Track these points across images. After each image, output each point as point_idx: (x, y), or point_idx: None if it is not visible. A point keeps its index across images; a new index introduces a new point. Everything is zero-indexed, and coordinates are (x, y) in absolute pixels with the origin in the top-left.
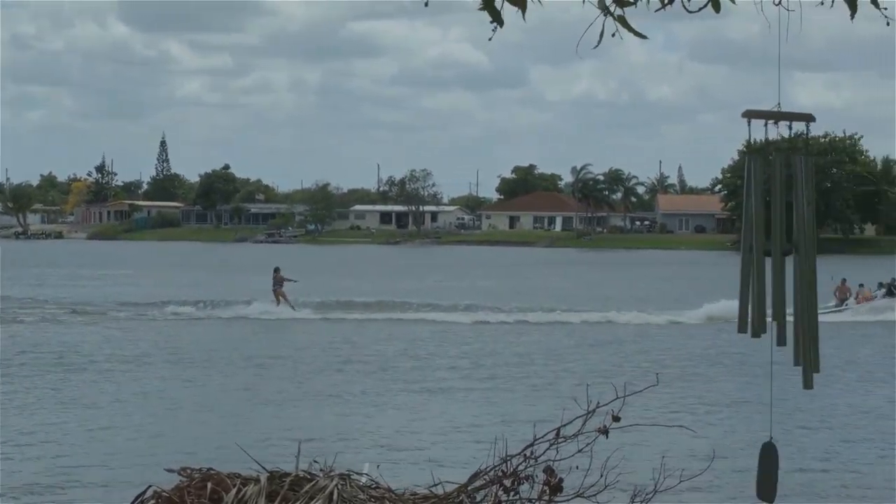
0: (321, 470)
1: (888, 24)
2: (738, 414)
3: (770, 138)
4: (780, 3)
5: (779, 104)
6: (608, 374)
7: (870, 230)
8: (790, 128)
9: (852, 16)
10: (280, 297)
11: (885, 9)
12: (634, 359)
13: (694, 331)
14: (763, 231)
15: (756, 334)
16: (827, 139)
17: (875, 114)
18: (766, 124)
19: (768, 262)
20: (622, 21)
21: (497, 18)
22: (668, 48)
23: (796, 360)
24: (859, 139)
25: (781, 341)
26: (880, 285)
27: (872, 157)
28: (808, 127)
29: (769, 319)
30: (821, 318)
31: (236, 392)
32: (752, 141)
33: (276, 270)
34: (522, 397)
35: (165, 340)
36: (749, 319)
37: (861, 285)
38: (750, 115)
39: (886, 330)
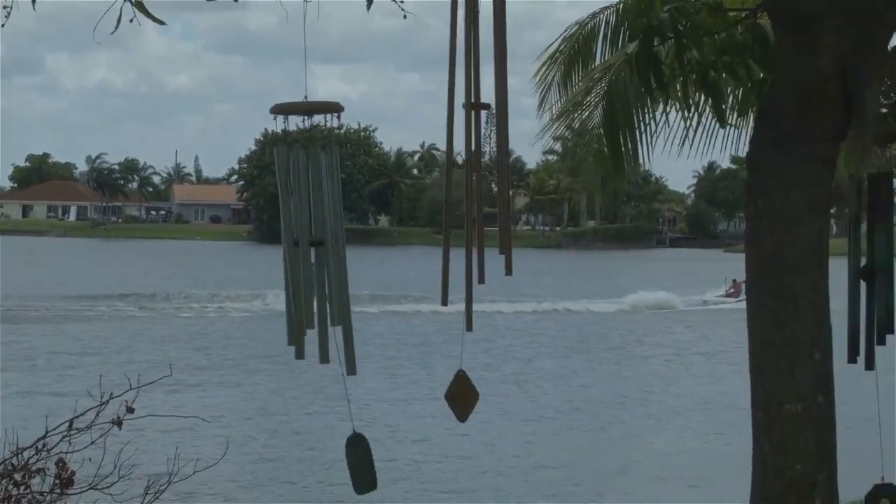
0: None
1: (405, 17)
2: (264, 403)
3: (294, 129)
4: None
5: (306, 96)
6: (146, 365)
7: (384, 221)
8: (326, 120)
9: (368, 6)
10: None
11: (403, 2)
12: (181, 349)
13: (240, 322)
14: (301, 224)
15: (299, 356)
16: (343, 131)
17: (389, 106)
18: (285, 118)
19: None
20: (140, 6)
21: None
22: (186, 38)
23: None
24: (374, 131)
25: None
26: None
27: (387, 150)
28: (337, 117)
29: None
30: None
31: None
32: (280, 133)
33: None
34: (49, 388)
35: None
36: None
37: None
38: (279, 109)
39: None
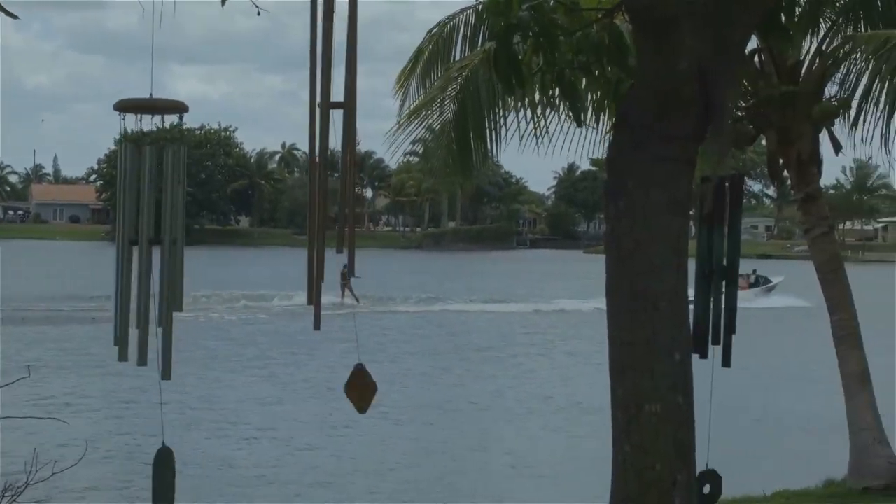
0: None
1: (259, 13)
2: (124, 406)
3: (144, 129)
4: None
5: (151, 94)
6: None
7: (245, 222)
8: (165, 119)
9: (223, 3)
10: (346, 290)
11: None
12: (45, 351)
13: (103, 324)
14: (144, 222)
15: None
16: (203, 131)
17: (251, 106)
18: (139, 117)
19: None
20: None
21: None
22: (44, 36)
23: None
24: (234, 131)
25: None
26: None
27: (247, 150)
28: (180, 116)
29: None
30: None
31: None
32: (126, 132)
33: (345, 267)
34: None
35: None
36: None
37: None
38: (122, 106)
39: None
